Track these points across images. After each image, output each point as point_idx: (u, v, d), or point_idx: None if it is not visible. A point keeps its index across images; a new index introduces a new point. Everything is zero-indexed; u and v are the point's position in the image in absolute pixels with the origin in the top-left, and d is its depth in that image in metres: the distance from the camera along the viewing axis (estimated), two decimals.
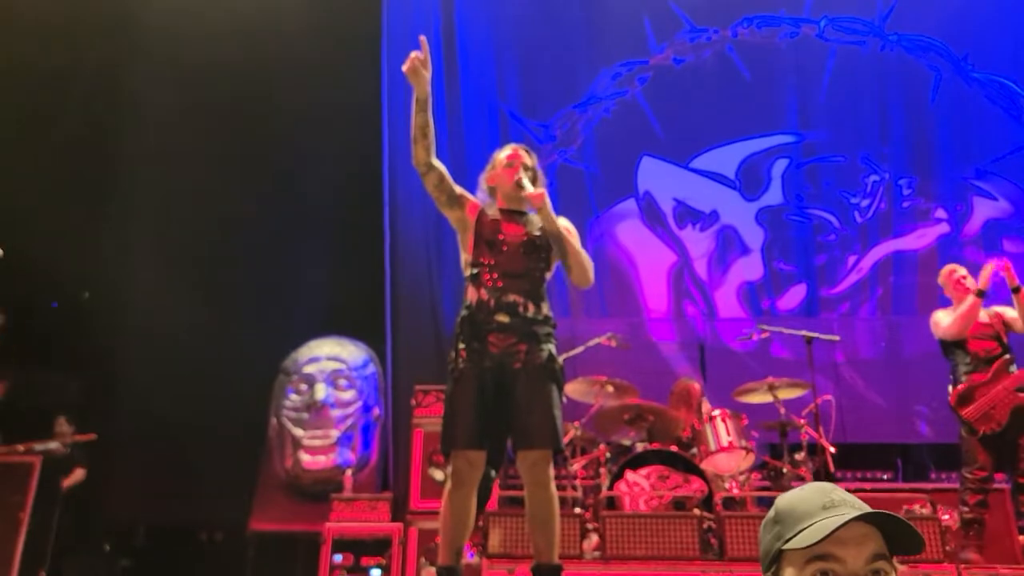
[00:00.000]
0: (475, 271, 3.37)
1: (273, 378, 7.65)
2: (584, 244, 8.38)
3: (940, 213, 8.07)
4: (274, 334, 7.68)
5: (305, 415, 7.41)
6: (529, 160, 3.54)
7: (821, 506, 1.38)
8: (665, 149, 8.34)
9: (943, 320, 5.16)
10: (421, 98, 3.39)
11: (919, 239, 8.06)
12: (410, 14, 8.43)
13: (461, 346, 3.31)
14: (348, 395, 7.52)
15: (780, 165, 8.25)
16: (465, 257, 3.45)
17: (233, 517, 7.27)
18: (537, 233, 3.44)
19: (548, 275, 3.45)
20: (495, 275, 3.34)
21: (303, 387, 7.49)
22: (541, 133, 8.38)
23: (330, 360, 7.61)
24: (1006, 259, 5.13)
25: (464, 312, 3.36)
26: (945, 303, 5.42)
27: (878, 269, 8.01)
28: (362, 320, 7.94)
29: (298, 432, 7.36)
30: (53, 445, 6.96)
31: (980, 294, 5.01)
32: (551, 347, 3.34)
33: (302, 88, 7.86)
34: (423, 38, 3.41)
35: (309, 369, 7.54)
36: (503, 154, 3.57)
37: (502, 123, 8.37)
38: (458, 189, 3.50)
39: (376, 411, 7.56)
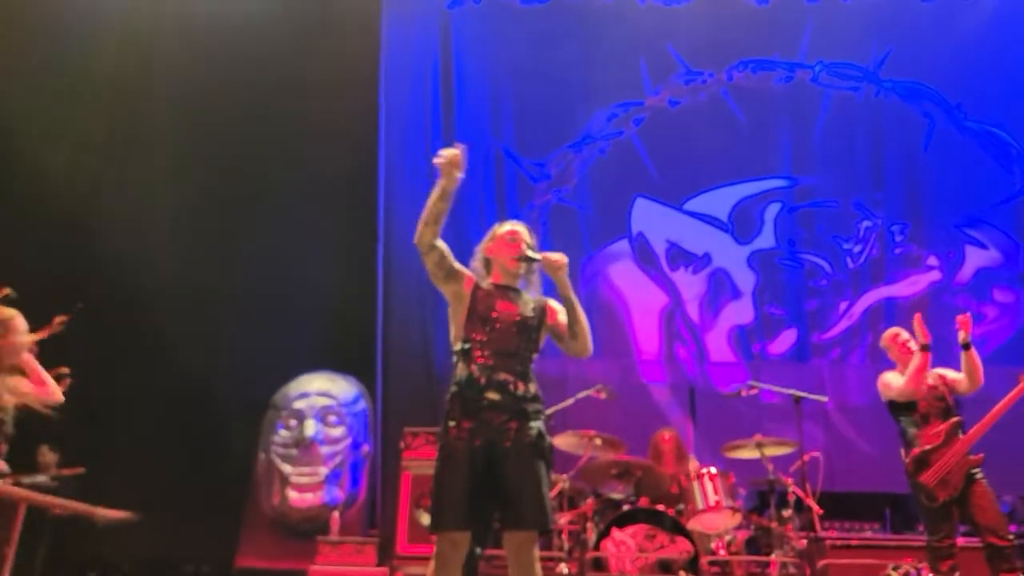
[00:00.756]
0: (466, 347, 3.38)
1: (263, 413, 7.63)
2: (577, 283, 8.41)
3: (932, 260, 8.10)
4: (264, 368, 7.66)
5: (294, 451, 7.37)
6: (530, 239, 3.57)
7: None
8: (659, 190, 8.37)
9: (894, 381, 5.08)
10: (448, 190, 3.41)
11: (911, 286, 8.09)
12: (408, 50, 8.48)
13: (451, 424, 3.32)
14: (338, 432, 7.49)
15: (773, 209, 8.28)
16: (456, 331, 3.46)
17: (220, 552, 7.24)
18: (530, 314, 3.45)
19: (536, 355, 3.46)
20: (486, 352, 3.36)
21: (292, 423, 7.45)
22: (536, 172, 8.40)
23: (320, 396, 7.57)
24: (967, 313, 5.09)
25: (454, 389, 3.37)
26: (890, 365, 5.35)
27: (869, 315, 8.04)
28: (353, 356, 7.93)
29: (286, 468, 7.33)
30: (40, 479, 6.92)
31: (925, 347, 4.97)
32: (540, 425, 3.35)
33: (297, 112, 7.89)
34: (463, 146, 3.44)
35: (299, 404, 7.50)
36: (503, 228, 3.59)
37: (497, 161, 8.40)
38: (456, 265, 3.52)
39: (366, 448, 7.55)
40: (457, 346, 3.42)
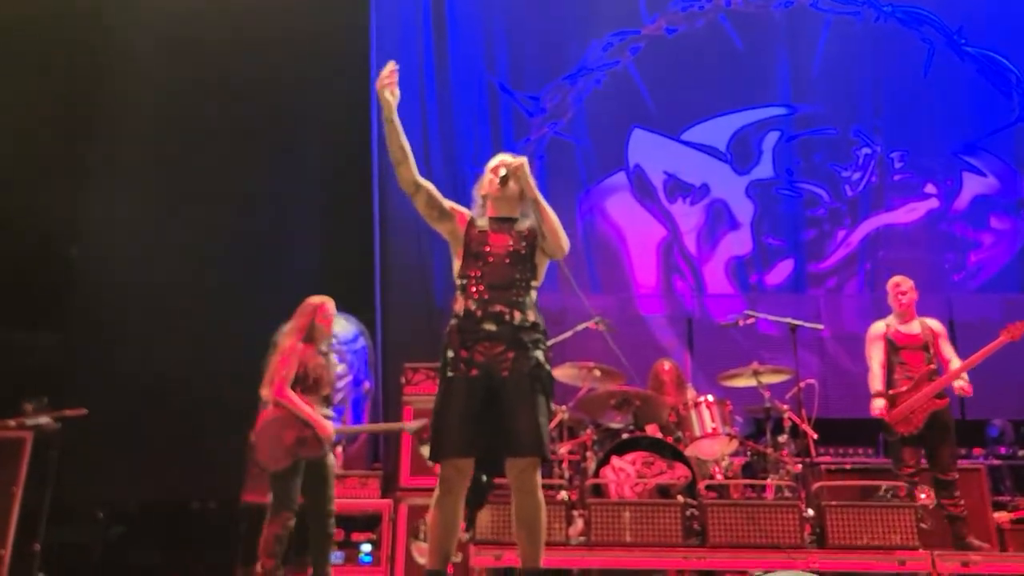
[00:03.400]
0: (463, 282, 3.42)
1: (264, 351, 7.66)
2: (574, 218, 8.38)
3: (930, 188, 8.08)
4: (265, 308, 7.66)
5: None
6: (514, 160, 3.55)
7: None
8: (656, 121, 8.30)
9: (871, 344, 5.54)
10: (392, 119, 3.39)
11: (909, 213, 8.08)
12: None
13: (449, 355, 3.35)
14: (339, 369, 7.54)
15: (771, 138, 8.22)
16: (456, 267, 3.48)
17: (226, 489, 7.35)
18: (523, 243, 3.45)
19: (535, 283, 3.47)
20: (481, 287, 3.38)
21: None
22: (531, 105, 8.31)
23: None
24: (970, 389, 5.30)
25: (453, 322, 3.40)
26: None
27: (867, 243, 8.04)
28: (352, 293, 7.93)
29: None
30: (44, 420, 6.99)
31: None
32: (539, 354, 3.37)
33: (290, 59, 7.78)
34: (393, 63, 3.39)
35: None
36: (491, 164, 3.59)
37: (491, 95, 8.29)
38: (447, 203, 3.53)
39: (367, 385, 7.61)
40: (457, 282, 3.46)
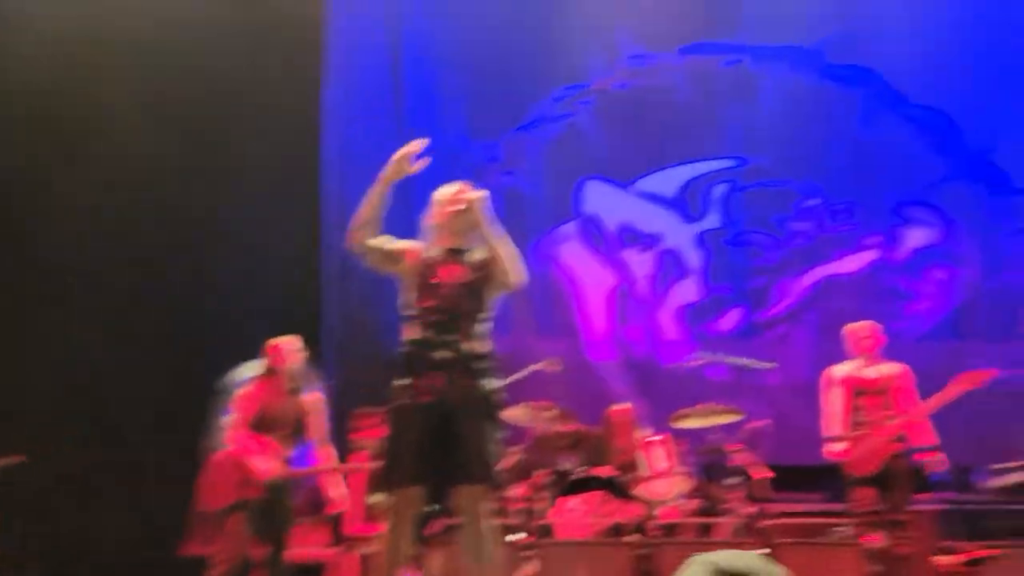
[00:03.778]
0: (415, 312, 3.42)
1: (209, 400, 7.50)
2: (527, 265, 8.39)
3: (871, 240, 8.32)
4: (208, 359, 7.52)
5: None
6: (471, 194, 3.57)
7: None
8: (608, 171, 8.47)
9: (831, 388, 5.58)
10: (390, 185, 3.44)
11: (851, 264, 8.30)
12: (356, 34, 8.42)
13: (401, 382, 3.33)
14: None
15: (720, 189, 8.43)
16: (407, 298, 3.47)
17: (168, 541, 7.11)
18: (476, 274, 3.47)
19: (486, 315, 3.48)
20: (435, 316, 3.38)
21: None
22: (486, 154, 8.42)
23: None
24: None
25: (404, 350, 3.38)
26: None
27: (812, 293, 8.23)
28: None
29: None
30: None
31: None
32: (490, 382, 3.38)
33: (237, 98, 7.75)
34: (422, 141, 3.53)
35: None
36: (443, 194, 3.60)
37: (448, 145, 8.38)
38: (396, 246, 3.51)
39: None
40: (406, 312, 3.45)
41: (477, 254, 3.50)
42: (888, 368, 5.58)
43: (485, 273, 3.47)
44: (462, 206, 3.47)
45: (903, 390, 5.52)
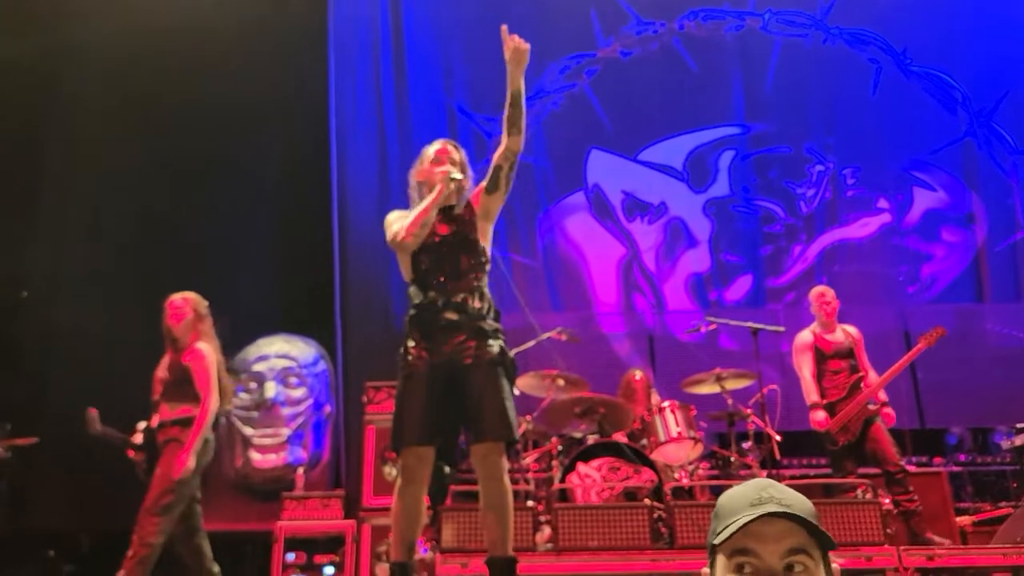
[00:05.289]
0: (418, 275, 3.40)
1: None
2: (534, 238, 8.38)
3: (882, 203, 8.24)
4: (222, 333, 7.53)
5: (255, 414, 7.32)
6: (456, 155, 3.56)
7: (749, 503, 1.43)
8: (613, 142, 8.39)
9: (800, 354, 5.65)
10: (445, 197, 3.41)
11: (862, 228, 8.23)
12: (357, 9, 8.36)
13: (410, 344, 3.32)
14: (299, 393, 7.45)
15: (727, 157, 8.35)
16: (406, 265, 3.45)
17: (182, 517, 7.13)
18: (466, 226, 3.44)
19: (488, 267, 3.46)
20: (439, 276, 3.36)
21: (252, 385, 7.39)
22: (490, 127, 8.36)
23: (280, 358, 7.52)
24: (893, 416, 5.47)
25: (412, 312, 3.36)
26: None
27: (823, 258, 8.17)
28: (312, 317, 7.85)
29: (248, 431, 7.28)
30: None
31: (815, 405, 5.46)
32: (500, 341, 3.36)
33: (246, 80, 7.72)
34: (462, 178, 3.49)
35: (258, 367, 7.45)
36: (431, 149, 3.57)
37: (450, 118, 8.35)
38: (398, 226, 3.44)
39: (327, 408, 7.50)
40: (410, 276, 3.43)
41: (459, 208, 3.48)
42: (846, 330, 5.64)
43: (473, 221, 3.45)
44: (452, 185, 3.41)
45: (860, 351, 5.60)
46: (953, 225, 8.15)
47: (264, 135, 7.89)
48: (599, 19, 8.46)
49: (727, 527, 1.42)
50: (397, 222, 3.43)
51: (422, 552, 5.91)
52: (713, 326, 5.87)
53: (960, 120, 8.28)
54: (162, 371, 4.75)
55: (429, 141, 8.35)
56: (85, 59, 7.85)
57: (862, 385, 5.45)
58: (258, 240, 7.87)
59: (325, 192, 8.02)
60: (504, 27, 3.43)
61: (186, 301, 4.83)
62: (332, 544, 6.14)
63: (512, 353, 3.40)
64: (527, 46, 3.41)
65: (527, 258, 8.04)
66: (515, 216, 8.04)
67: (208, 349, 4.74)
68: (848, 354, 5.54)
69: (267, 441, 7.22)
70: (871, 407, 5.38)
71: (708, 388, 5.69)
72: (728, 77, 8.42)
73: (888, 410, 5.42)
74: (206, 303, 4.95)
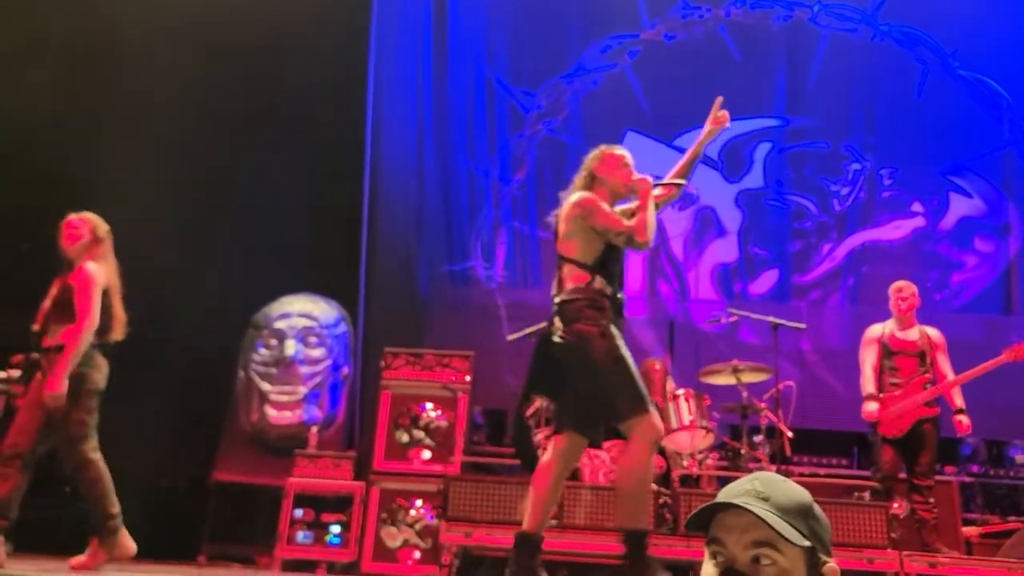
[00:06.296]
0: (600, 265, 3.69)
1: (243, 331, 7.62)
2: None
3: (917, 206, 8.14)
4: (246, 288, 7.62)
5: (273, 370, 7.39)
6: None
7: (733, 494, 1.46)
8: (650, 125, 8.33)
9: (865, 346, 5.57)
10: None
11: (895, 230, 8.14)
12: None
13: (605, 323, 3.60)
14: (318, 352, 7.51)
15: (763, 149, 8.28)
16: (590, 247, 3.69)
17: (196, 467, 7.28)
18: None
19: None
20: (619, 276, 3.78)
21: (273, 342, 7.45)
22: (527, 101, 8.34)
23: (302, 317, 7.57)
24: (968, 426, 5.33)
25: (604, 300, 3.63)
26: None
27: (852, 258, 8.09)
28: (336, 279, 7.91)
29: (265, 386, 7.35)
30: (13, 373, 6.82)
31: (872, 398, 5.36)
32: None
33: (283, 45, 7.73)
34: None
35: (280, 324, 7.50)
36: (615, 151, 3.98)
37: (488, 90, 8.32)
38: (628, 224, 3.81)
39: (345, 370, 7.57)
40: (591, 261, 3.69)
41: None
42: (925, 331, 5.52)
43: None
44: (637, 187, 3.80)
45: (938, 355, 5.46)
46: (987, 234, 8.04)
47: (300, 96, 7.90)
48: (646, 0, 8.38)
49: (694, 513, 1.48)
50: (619, 218, 3.77)
51: (428, 519, 5.99)
52: (734, 318, 5.86)
53: (1003, 128, 8.14)
54: (47, 300, 4.43)
55: (465, 111, 8.44)
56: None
57: (927, 387, 5.35)
58: (288, 199, 7.90)
59: (359, 156, 8.05)
60: (719, 99, 4.03)
61: (83, 221, 4.49)
62: (340, 504, 6.22)
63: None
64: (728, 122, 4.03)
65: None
66: (546, 193, 8.03)
67: (96, 269, 4.37)
68: (919, 355, 5.40)
69: (284, 398, 7.30)
70: (929, 409, 5.29)
71: (724, 379, 5.69)
72: (771, 68, 8.31)
73: (961, 417, 5.27)
74: (107, 226, 4.58)
